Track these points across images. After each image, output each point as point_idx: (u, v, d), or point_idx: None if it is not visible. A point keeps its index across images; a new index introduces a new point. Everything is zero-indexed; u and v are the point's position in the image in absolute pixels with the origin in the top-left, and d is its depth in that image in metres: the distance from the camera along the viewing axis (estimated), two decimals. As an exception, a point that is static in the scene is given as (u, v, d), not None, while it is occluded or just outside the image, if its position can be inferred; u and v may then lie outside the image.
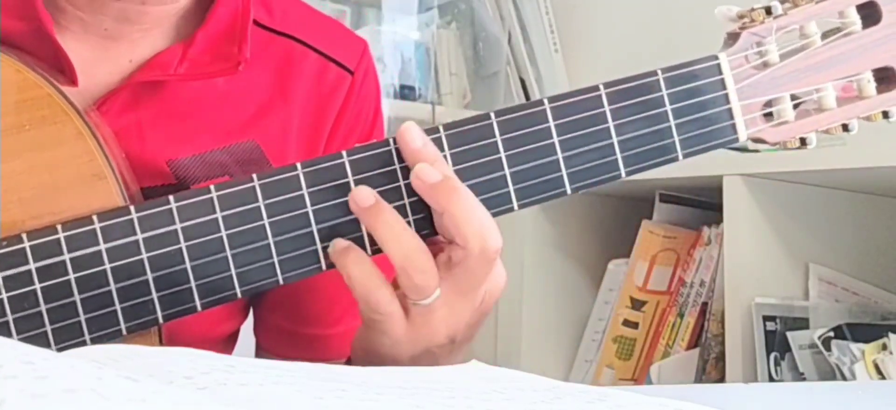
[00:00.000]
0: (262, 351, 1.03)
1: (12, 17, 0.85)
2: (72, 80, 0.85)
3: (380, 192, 0.78)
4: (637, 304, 1.91)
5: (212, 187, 0.77)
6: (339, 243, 0.76)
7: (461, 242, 0.75)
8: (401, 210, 0.78)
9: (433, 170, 0.75)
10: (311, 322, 0.96)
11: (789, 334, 1.62)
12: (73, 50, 0.87)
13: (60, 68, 0.86)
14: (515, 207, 0.81)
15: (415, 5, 2.15)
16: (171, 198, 0.77)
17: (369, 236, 0.77)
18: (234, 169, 0.91)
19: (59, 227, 0.75)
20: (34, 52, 0.85)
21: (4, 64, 0.79)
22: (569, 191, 0.82)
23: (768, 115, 0.84)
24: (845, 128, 0.85)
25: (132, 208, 0.77)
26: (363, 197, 0.76)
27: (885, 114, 0.86)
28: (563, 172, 0.81)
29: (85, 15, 0.88)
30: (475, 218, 0.75)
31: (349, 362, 0.86)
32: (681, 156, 0.82)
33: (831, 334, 1.59)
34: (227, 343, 1.01)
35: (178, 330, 0.83)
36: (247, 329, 1.04)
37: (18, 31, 0.85)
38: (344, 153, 0.78)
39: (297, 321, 0.98)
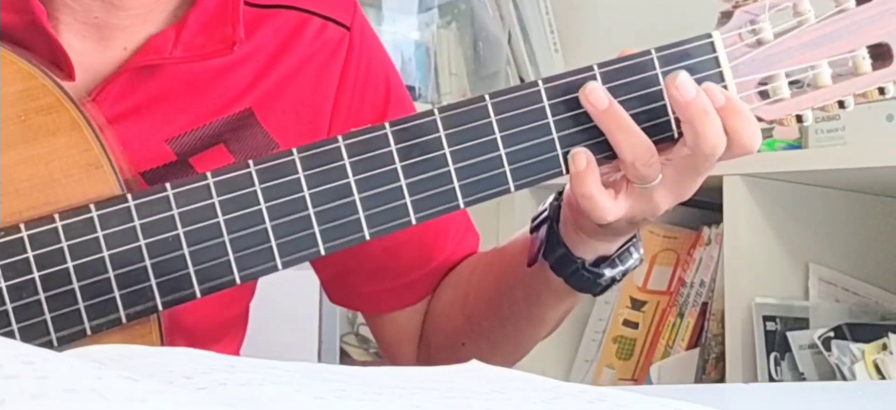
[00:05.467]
0: (370, 318, 1.08)
1: (7, 11, 0.85)
2: (68, 74, 0.85)
3: (375, 175, 0.79)
4: (637, 304, 1.91)
5: (208, 173, 0.78)
6: (580, 159, 0.81)
7: (691, 147, 0.80)
8: (397, 191, 0.79)
9: (688, 81, 0.80)
10: (410, 268, 1.02)
11: (789, 334, 1.62)
12: (67, 42, 0.87)
13: (56, 61, 0.86)
14: (512, 188, 0.82)
15: (415, 5, 2.15)
16: (167, 185, 0.77)
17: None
18: (229, 137, 0.92)
19: (56, 216, 0.76)
20: (30, 45, 0.85)
21: (1, 56, 0.79)
22: (564, 172, 0.82)
23: (763, 93, 0.85)
24: (841, 104, 0.85)
25: (129, 196, 0.77)
26: (599, 98, 0.81)
27: (881, 91, 0.86)
28: (559, 152, 0.82)
29: (72, 1, 0.89)
30: (714, 125, 0.80)
31: (548, 251, 0.90)
32: (676, 134, 0.82)
33: (831, 334, 1.59)
34: (238, 323, 1.01)
35: (183, 321, 0.84)
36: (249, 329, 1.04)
37: (14, 24, 0.85)
38: (339, 137, 0.79)
39: (398, 275, 1.02)
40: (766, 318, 1.62)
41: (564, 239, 0.88)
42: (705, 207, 1.87)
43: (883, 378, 1.51)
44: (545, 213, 0.90)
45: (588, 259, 0.88)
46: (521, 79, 2.17)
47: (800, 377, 1.59)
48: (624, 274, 0.91)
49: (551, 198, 0.90)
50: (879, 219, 1.81)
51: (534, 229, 0.92)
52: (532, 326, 0.98)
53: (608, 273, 0.89)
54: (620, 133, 0.80)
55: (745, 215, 1.66)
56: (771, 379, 1.59)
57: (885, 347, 1.55)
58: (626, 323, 1.92)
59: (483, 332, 0.98)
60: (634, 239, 0.90)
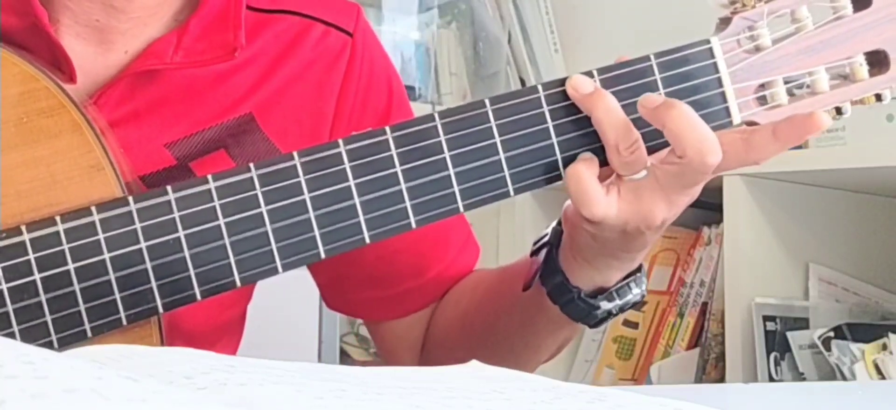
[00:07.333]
0: (368, 324, 1.08)
1: (9, 13, 0.85)
2: (70, 77, 0.85)
3: (376, 179, 0.79)
4: (637, 304, 1.91)
5: (209, 177, 0.78)
6: (586, 157, 0.81)
7: (679, 153, 0.79)
8: (397, 195, 0.79)
9: (653, 96, 0.81)
10: (404, 278, 1.01)
11: (789, 334, 1.62)
12: (68, 45, 0.87)
13: (57, 64, 0.86)
14: (511, 193, 0.82)
15: (415, 5, 2.15)
16: (169, 188, 0.77)
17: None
18: (229, 142, 0.92)
19: (57, 219, 0.76)
20: (32, 48, 0.85)
21: (2, 57, 0.79)
22: (563, 177, 0.82)
23: (761, 99, 0.85)
24: (839, 111, 0.86)
25: (130, 199, 0.77)
26: (584, 84, 0.81)
27: (878, 97, 0.86)
28: (558, 157, 0.82)
29: (72, 3, 0.89)
30: (694, 132, 0.79)
31: (545, 277, 0.89)
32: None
33: (831, 334, 1.59)
34: (235, 326, 1.01)
35: (182, 324, 0.84)
36: (247, 330, 1.04)
37: (15, 27, 0.85)
38: (341, 141, 0.79)
39: (390, 284, 1.01)
40: (766, 318, 1.62)
41: (563, 265, 0.88)
42: (705, 207, 1.87)
43: (883, 378, 1.51)
44: (546, 238, 0.90)
45: (585, 288, 0.87)
46: (522, 80, 2.17)
47: (800, 377, 1.59)
48: (621, 308, 0.89)
49: (554, 224, 0.90)
50: (879, 219, 1.81)
51: (534, 252, 0.91)
52: (527, 351, 0.97)
53: (604, 305, 0.88)
54: (601, 110, 0.80)
55: (745, 215, 1.66)
56: (771, 379, 1.59)
57: (885, 347, 1.55)
58: (626, 323, 1.92)
59: (479, 353, 0.98)
60: (636, 275, 0.89)
